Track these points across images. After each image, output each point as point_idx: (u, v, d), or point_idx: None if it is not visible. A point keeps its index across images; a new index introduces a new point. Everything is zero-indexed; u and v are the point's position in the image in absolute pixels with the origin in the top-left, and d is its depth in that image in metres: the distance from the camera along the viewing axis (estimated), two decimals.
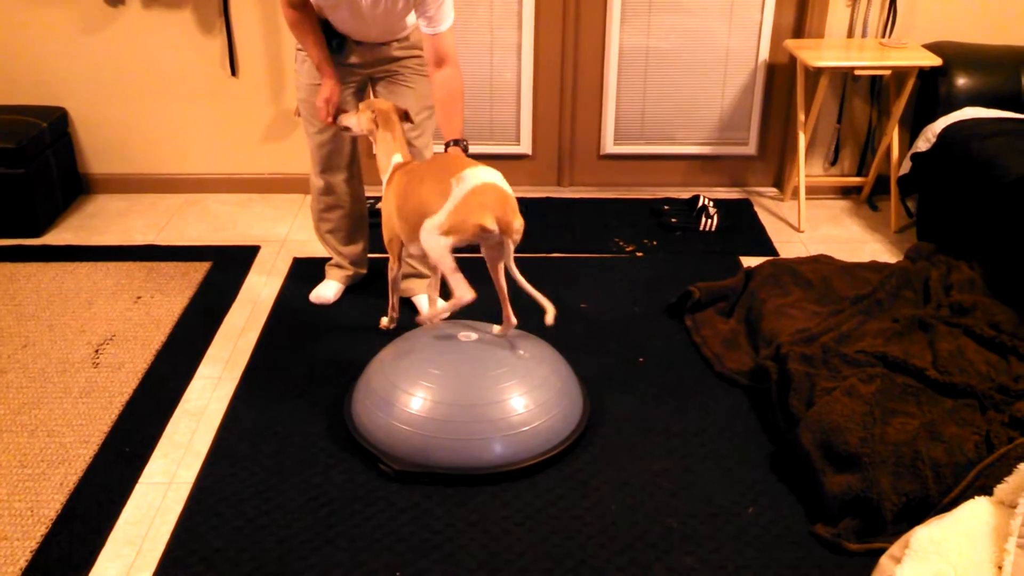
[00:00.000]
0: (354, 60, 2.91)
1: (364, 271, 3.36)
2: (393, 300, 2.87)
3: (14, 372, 2.87)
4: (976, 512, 1.93)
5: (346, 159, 3.10)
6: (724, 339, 3.02)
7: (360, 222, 3.27)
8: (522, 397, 2.44)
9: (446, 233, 2.37)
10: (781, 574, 2.16)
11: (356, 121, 2.79)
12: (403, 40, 2.92)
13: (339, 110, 2.89)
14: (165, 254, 3.60)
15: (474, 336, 2.57)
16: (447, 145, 2.71)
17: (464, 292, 2.38)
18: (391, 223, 2.66)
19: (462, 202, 2.35)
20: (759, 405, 2.74)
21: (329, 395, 2.75)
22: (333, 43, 2.86)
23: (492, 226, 2.34)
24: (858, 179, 4.12)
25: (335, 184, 3.12)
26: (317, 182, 3.13)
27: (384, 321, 2.96)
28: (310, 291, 3.29)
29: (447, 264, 2.40)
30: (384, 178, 2.71)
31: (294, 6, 2.77)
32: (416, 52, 2.94)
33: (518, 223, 2.38)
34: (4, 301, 3.25)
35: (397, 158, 2.70)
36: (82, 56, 3.89)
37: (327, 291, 3.27)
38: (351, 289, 3.32)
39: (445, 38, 2.70)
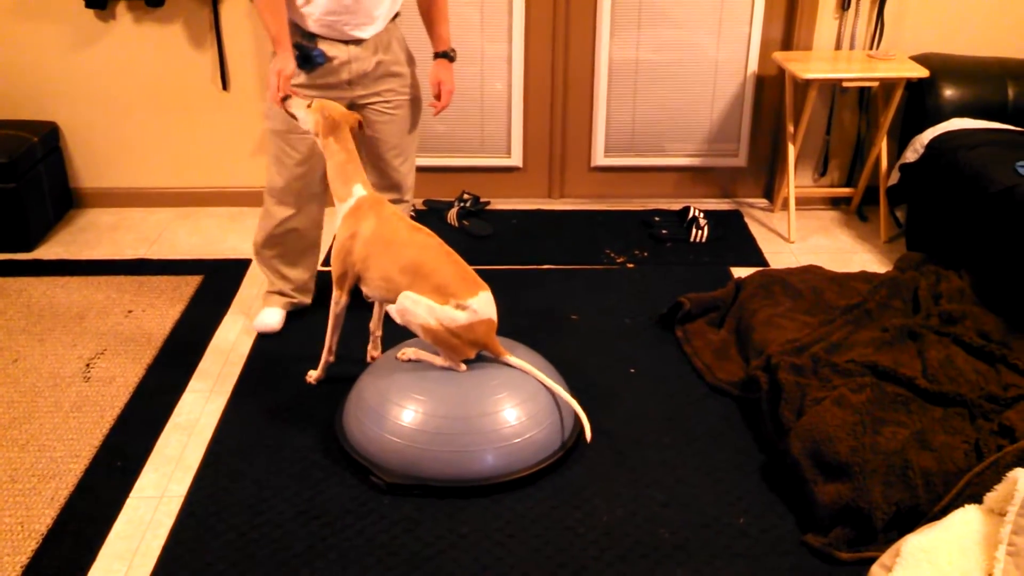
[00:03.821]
0: (336, 79, 2.82)
1: (308, 301, 3.23)
2: (332, 341, 2.74)
3: (5, 386, 2.86)
4: (966, 520, 1.94)
5: (320, 185, 2.97)
6: (715, 350, 3.03)
7: (313, 247, 3.16)
8: (514, 409, 2.45)
9: (435, 343, 2.49)
10: None
11: (304, 116, 2.61)
12: (387, 47, 2.85)
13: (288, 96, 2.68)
14: (156, 268, 3.59)
15: None
16: (436, 56, 2.90)
17: (457, 363, 2.52)
18: (348, 259, 2.56)
19: (453, 334, 2.45)
20: (750, 415, 2.74)
21: (320, 408, 2.75)
22: (315, 54, 2.75)
23: (473, 356, 2.52)
24: (847, 190, 4.14)
25: (305, 212, 3.00)
26: (281, 212, 2.97)
27: (313, 374, 2.82)
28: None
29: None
30: (342, 207, 2.59)
31: None
32: (399, 70, 2.91)
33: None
34: None
35: (360, 190, 2.59)
36: (73, 70, 3.90)
37: (271, 319, 3.13)
38: None
39: None
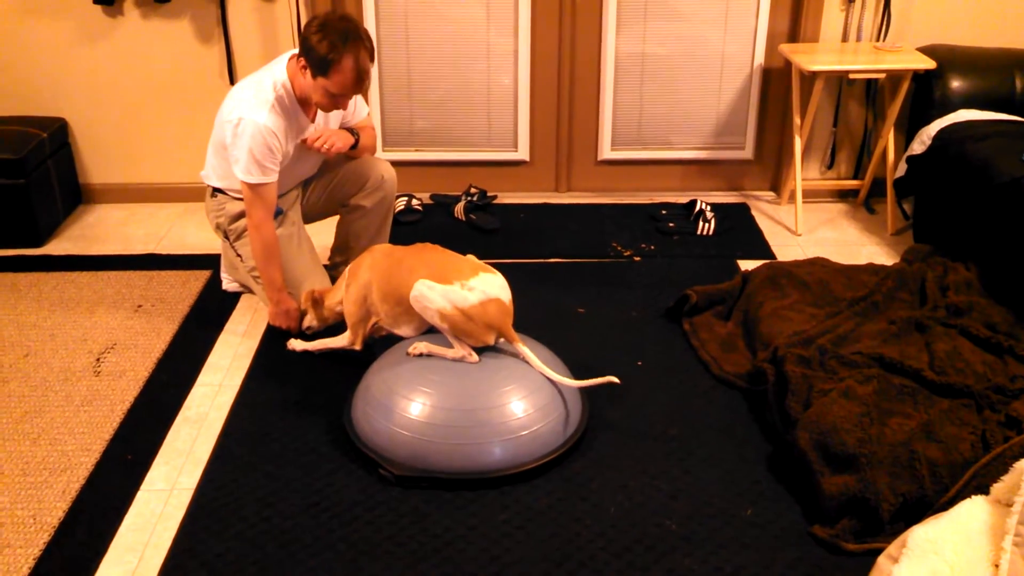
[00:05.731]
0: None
1: None
2: (323, 349, 2.93)
3: (16, 381, 2.88)
4: (973, 511, 1.94)
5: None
6: (722, 342, 3.03)
7: None
8: (521, 401, 2.46)
9: (452, 329, 2.53)
10: (780, 575, 2.17)
11: (314, 316, 2.94)
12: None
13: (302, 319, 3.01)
14: (165, 263, 3.61)
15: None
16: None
17: (470, 352, 2.54)
18: (363, 303, 2.75)
19: (467, 316, 2.49)
20: (757, 407, 2.75)
21: (329, 401, 2.76)
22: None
23: (492, 342, 2.55)
24: (854, 182, 4.14)
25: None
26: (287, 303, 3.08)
27: (297, 344, 2.99)
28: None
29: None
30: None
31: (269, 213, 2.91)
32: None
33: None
34: (6, 311, 3.26)
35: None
36: (81, 66, 3.91)
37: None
38: None
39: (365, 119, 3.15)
